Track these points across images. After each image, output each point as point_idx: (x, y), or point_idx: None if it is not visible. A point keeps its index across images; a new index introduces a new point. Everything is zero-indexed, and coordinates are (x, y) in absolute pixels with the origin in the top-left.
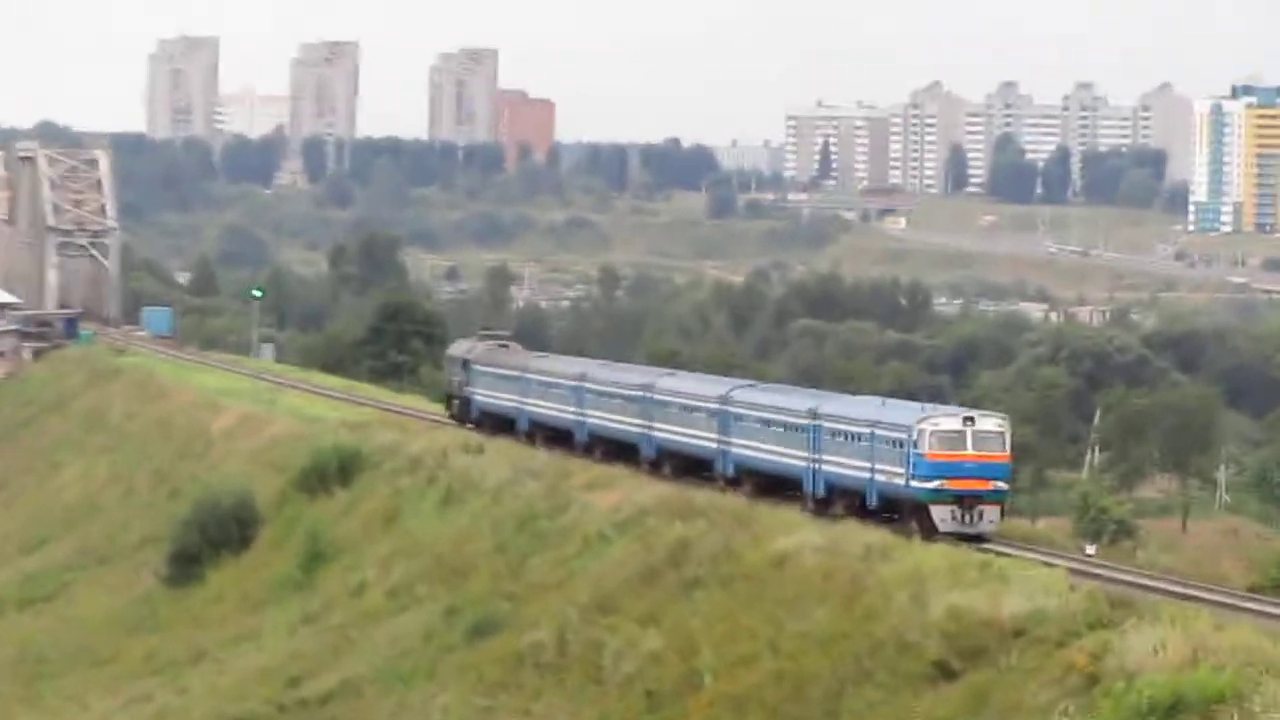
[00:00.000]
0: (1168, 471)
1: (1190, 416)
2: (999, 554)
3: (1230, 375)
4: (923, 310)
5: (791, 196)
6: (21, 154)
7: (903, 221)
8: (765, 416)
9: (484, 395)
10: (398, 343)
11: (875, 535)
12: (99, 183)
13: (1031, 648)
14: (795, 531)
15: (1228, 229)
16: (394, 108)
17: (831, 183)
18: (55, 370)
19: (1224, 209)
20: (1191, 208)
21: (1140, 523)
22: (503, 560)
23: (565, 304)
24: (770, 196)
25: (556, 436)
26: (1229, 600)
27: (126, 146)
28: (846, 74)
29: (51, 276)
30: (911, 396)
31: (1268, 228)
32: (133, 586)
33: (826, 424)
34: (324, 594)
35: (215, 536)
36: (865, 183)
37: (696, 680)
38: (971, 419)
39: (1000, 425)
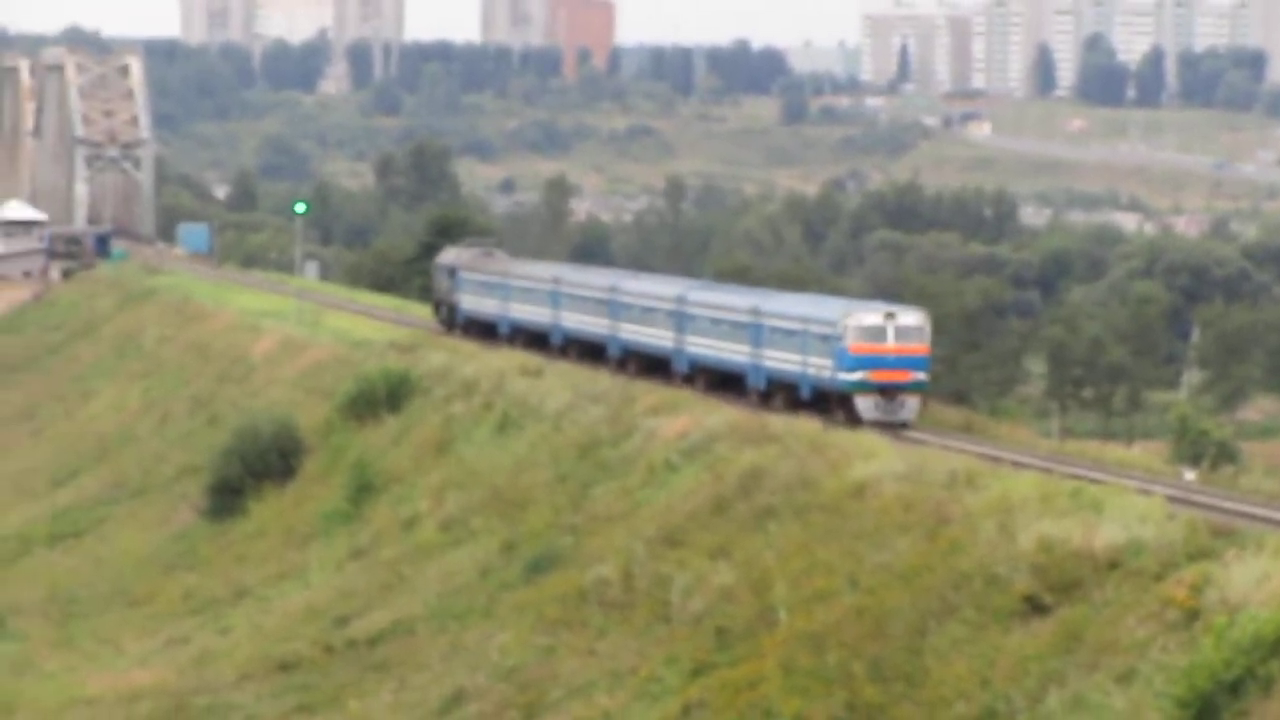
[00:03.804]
0: (1271, 392)
1: None
2: (1092, 480)
3: None
4: (1009, 221)
5: (868, 101)
6: (48, 62)
7: (986, 127)
8: (714, 315)
9: (469, 301)
10: None
11: (960, 461)
12: (131, 92)
13: (1127, 580)
14: (875, 458)
15: None
16: (445, 9)
17: (910, 86)
18: (85, 291)
19: None
20: None
21: (1242, 446)
22: (563, 491)
23: (628, 217)
24: (845, 101)
25: (534, 340)
26: None
27: (159, 52)
28: None
29: (81, 191)
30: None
31: None
32: (169, 521)
33: (767, 321)
34: (373, 527)
35: (257, 467)
36: (946, 86)
37: (771, 617)
38: (893, 314)
39: (920, 320)
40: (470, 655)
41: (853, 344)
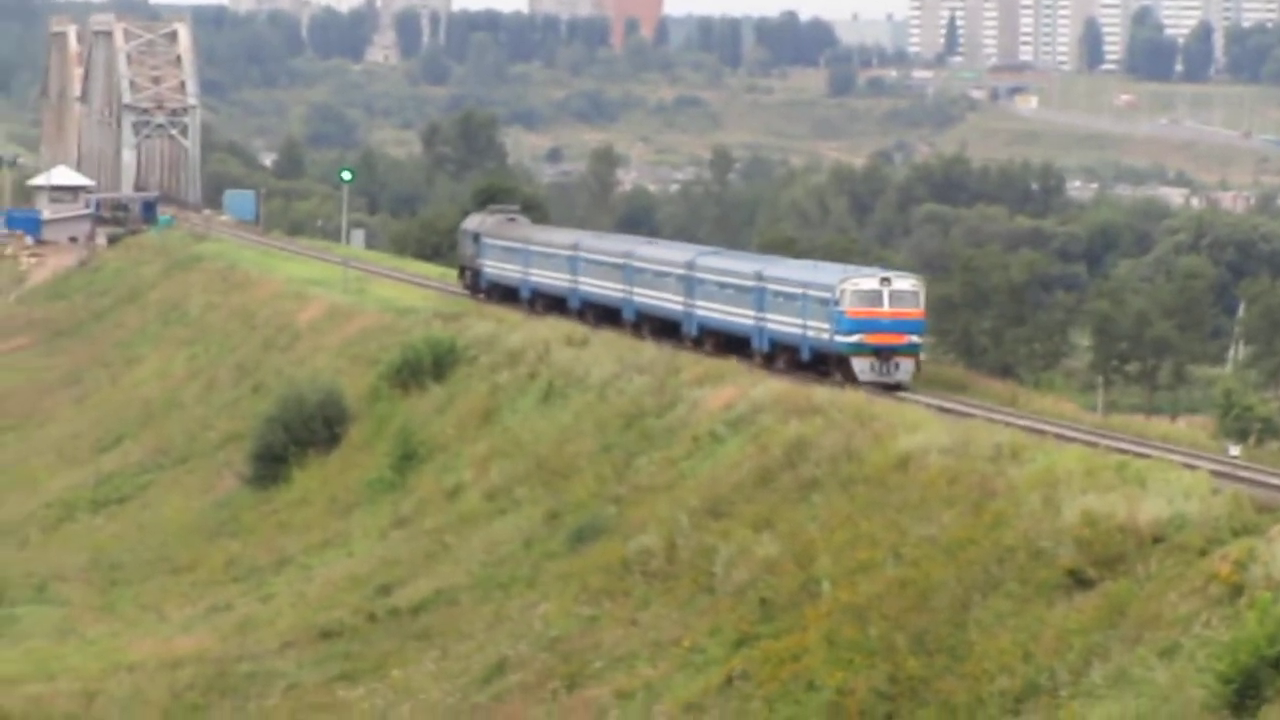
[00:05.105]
0: None
1: None
2: (1137, 455)
3: None
4: (1055, 195)
5: (915, 74)
6: (96, 28)
7: (1034, 100)
8: (721, 280)
9: (492, 266)
10: None
11: (1005, 434)
12: (178, 58)
13: (1171, 555)
14: (919, 430)
15: None
16: None
17: (958, 59)
18: (131, 258)
19: None
20: None
21: None
22: (608, 461)
23: (675, 188)
24: (893, 74)
25: (553, 304)
26: None
27: (208, 20)
28: None
29: (128, 157)
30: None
31: None
32: (213, 488)
33: (770, 286)
34: (417, 496)
35: (301, 435)
36: (994, 59)
37: (814, 589)
38: (888, 279)
39: (915, 285)
40: (513, 625)
41: (849, 308)
